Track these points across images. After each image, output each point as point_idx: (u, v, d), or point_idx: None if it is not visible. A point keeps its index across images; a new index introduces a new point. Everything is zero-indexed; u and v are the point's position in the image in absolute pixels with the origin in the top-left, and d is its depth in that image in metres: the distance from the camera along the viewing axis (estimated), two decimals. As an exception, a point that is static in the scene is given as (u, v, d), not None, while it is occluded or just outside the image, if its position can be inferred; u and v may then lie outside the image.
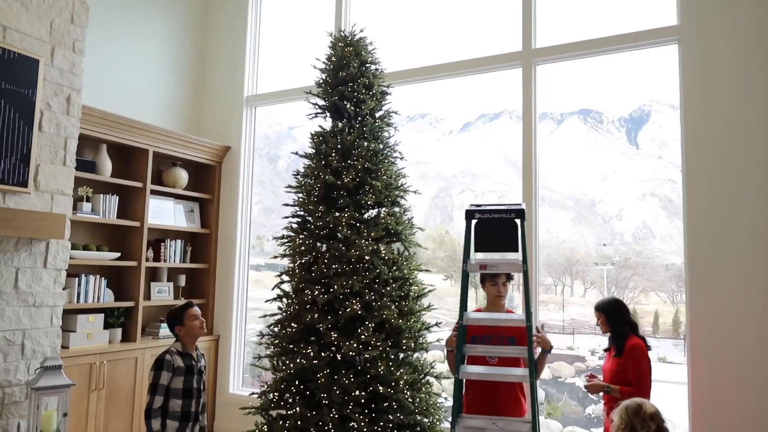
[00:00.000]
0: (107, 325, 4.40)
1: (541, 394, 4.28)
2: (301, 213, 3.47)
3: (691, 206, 3.57)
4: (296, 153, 3.60)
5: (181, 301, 3.71)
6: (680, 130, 3.70)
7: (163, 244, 4.91)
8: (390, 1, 5.09)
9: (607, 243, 4.57)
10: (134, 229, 4.64)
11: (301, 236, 3.38)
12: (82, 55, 3.89)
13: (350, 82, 3.50)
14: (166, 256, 4.92)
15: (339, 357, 3.13)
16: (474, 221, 2.93)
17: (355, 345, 3.08)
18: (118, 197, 4.55)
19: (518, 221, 2.88)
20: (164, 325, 4.80)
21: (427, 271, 3.61)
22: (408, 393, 3.18)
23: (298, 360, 3.20)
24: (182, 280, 5.09)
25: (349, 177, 3.33)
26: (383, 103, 3.66)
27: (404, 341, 3.27)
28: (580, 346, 4.53)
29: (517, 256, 2.89)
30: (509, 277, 3.25)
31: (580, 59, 4.17)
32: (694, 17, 3.68)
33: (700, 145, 3.58)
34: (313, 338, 3.22)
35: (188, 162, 5.19)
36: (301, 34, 5.41)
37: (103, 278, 4.42)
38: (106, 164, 4.46)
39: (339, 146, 3.42)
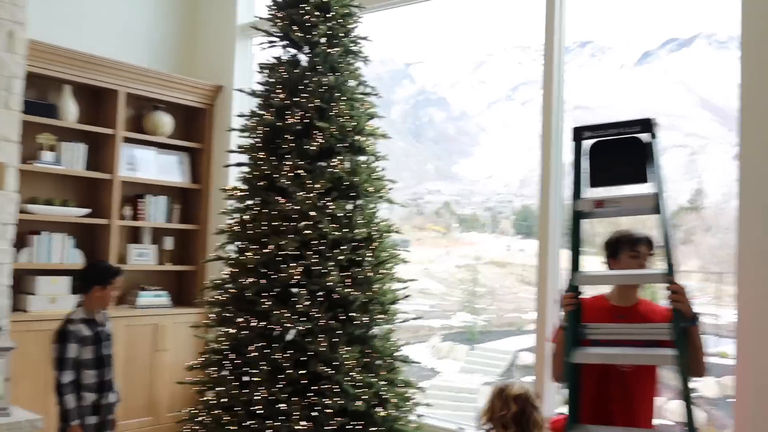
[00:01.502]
0: (76, 290, 4.91)
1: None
2: (244, 160, 3.68)
3: None
4: (240, 89, 3.79)
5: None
6: None
7: (142, 200, 5.34)
8: None
9: None
10: (106, 182, 5.10)
11: (240, 188, 3.60)
12: (26, -16, 4.29)
13: (301, 3, 3.61)
14: (146, 215, 5.36)
15: (271, 329, 3.34)
16: (586, 144, 2.60)
17: (287, 315, 3.27)
18: (86, 146, 5.01)
19: (646, 138, 2.50)
20: (145, 292, 5.30)
21: (396, 232, 3.69)
22: (357, 376, 3.33)
23: (231, 330, 3.45)
24: (168, 242, 5.52)
25: (294, 118, 3.48)
26: (347, 27, 3.72)
27: (356, 315, 3.41)
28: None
29: (648, 188, 2.50)
30: (651, 247, 2.78)
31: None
32: None
33: None
34: (246, 306, 3.45)
35: (173, 105, 5.57)
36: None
37: (70, 237, 4.93)
38: (71, 108, 4.92)
39: (285, 81, 3.56)
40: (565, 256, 4.05)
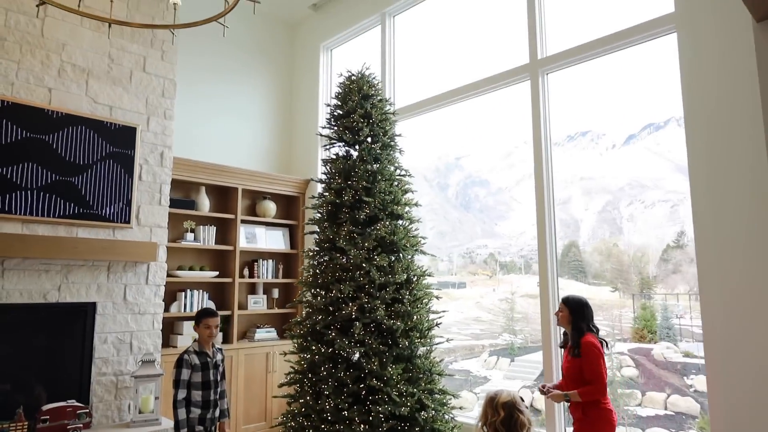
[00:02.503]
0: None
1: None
2: (316, 230, 3.67)
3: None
4: (311, 179, 3.82)
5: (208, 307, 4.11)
6: None
7: (256, 263, 5.43)
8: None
9: None
10: (229, 252, 5.23)
11: (312, 249, 3.58)
12: (172, 120, 4.57)
13: (351, 114, 3.65)
14: (259, 273, 5.44)
15: (337, 353, 3.23)
16: None
17: (347, 342, 3.17)
18: (215, 227, 5.18)
19: None
20: (259, 329, 5.31)
21: (429, 275, 3.56)
22: (403, 387, 3.16)
23: (308, 356, 3.37)
24: (275, 292, 5.55)
25: (348, 195, 3.46)
26: (385, 128, 3.73)
27: (400, 340, 3.26)
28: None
29: None
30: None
31: None
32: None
33: None
34: (318, 337, 3.36)
35: (276, 195, 5.71)
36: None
37: (205, 292, 5.04)
38: (205, 202, 5.12)
39: (340, 170, 3.57)
40: (559, 283, 3.89)
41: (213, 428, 3.47)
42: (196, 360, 3.45)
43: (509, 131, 4.39)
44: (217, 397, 3.54)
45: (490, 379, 6.86)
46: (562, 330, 3.03)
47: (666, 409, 4.32)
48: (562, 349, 2.99)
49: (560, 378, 3.06)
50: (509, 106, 4.28)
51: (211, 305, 5.07)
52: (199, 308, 3.82)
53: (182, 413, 3.32)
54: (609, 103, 4.32)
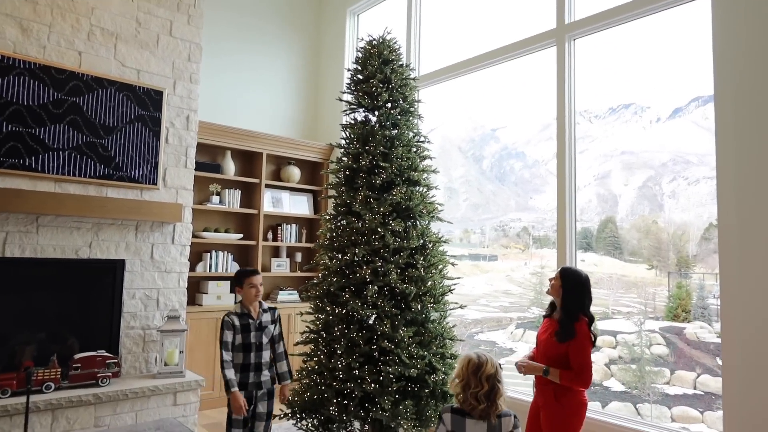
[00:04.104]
0: (233, 290, 5.14)
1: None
2: (334, 194, 3.70)
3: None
4: (332, 144, 3.85)
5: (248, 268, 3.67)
6: None
7: (280, 227, 5.54)
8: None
9: None
10: (254, 216, 5.34)
11: (330, 214, 3.62)
12: (197, 84, 4.63)
13: (370, 79, 3.62)
14: (283, 237, 5.54)
15: (350, 315, 3.30)
16: None
17: (360, 304, 3.23)
18: (240, 191, 5.29)
19: None
20: (282, 291, 5.45)
21: (445, 242, 3.56)
22: (414, 350, 3.22)
23: (323, 316, 3.45)
24: (298, 256, 5.67)
25: (365, 161, 3.48)
26: (405, 94, 3.69)
27: (412, 304, 3.30)
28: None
29: None
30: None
31: None
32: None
33: None
34: (332, 299, 3.43)
35: (300, 160, 5.77)
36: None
37: (229, 254, 5.18)
38: (230, 166, 5.22)
39: (359, 135, 3.57)
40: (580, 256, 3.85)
41: (257, 392, 3.25)
42: (236, 321, 3.22)
43: (547, 102, 4.31)
44: (261, 360, 3.26)
45: (516, 350, 6.90)
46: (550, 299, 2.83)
47: (695, 388, 4.28)
48: (544, 318, 2.84)
49: (533, 347, 2.91)
50: (548, 76, 4.17)
51: (235, 266, 5.21)
52: (237, 269, 3.57)
53: (230, 373, 3.11)
54: (655, 75, 4.15)
